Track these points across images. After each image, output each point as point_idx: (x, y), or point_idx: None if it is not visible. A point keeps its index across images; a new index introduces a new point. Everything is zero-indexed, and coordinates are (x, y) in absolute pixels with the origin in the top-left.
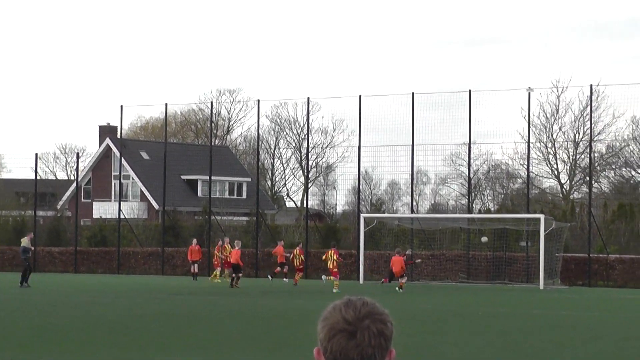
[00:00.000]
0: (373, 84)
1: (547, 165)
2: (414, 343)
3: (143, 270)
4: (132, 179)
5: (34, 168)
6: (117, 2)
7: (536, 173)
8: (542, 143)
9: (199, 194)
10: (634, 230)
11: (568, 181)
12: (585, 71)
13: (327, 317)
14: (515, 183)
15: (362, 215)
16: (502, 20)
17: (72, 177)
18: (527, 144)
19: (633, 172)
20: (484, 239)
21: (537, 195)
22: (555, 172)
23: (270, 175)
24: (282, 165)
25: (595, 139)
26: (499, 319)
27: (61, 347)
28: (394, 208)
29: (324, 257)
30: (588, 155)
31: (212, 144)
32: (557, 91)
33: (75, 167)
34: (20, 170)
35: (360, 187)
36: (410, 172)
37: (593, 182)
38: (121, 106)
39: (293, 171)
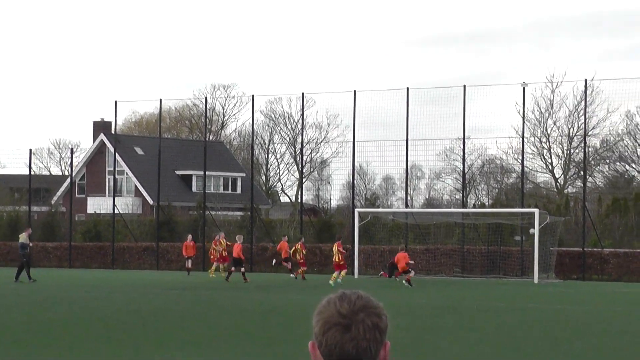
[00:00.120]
0: (367, 79)
1: (542, 160)
2: (409, 337)
3: (137, 265)
4: (127, 174)
5: (28, 164)
6: None
7: (530, 168)
8: (536, 138)
9: (194, 189)
10: (628, 225)
11: (562, 176)
12: (580, 66)
13: (321, 310)
14: (510, 178)
15: (356, 210)
16: (496, 15)
17: (67, 173)
18: (521, 138)
19: (627, 167)
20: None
21: (532, 189)
22: (550, 167)
23: (264, 170)
24: (277, 160)
25: (589, 133)
26: (494, 313)
27: (56, 342)
28: (389, 203)
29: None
30: (582, 150)
31: (207, 139)
32: (552, 86)
33: (69, 162)
34: (15, 165)
35: (355, 182)
36: (405, 167)
37: (587, 176)
38: (115, 102)
39: (287, 166)
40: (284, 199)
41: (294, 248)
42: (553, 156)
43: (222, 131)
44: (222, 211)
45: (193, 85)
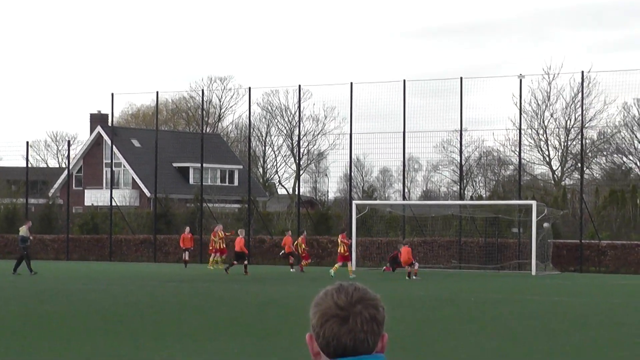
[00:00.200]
0: (364, 71)
1: (539, 152)
2: (407, 330)
3: (135, 258)
4: (124, 166)
5: (25, 156)
6: None
7: (528, 160)
8: (533, 130)
9: (191, 181)
10: (625, 217)
11: (560, 168)
12: (577, 58)
13: (319, 302)
14: (507, 170)
15: (354, 202)
16: (493, 7)
17: (64, 165)
18: (518, 130)
19: (624, 159)
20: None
21: (529, 181)
22: (547, 159)
23: (261, 162)
24: (274, 152)
25: (586, 125)
26: (491, 305)
27: (54, 334)
28: (386, 195)
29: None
30: (579, 142)
31: (204, 131)
32: (549, 78)
33: (66, 154)
34: (12, 158)
35: (352, 174)
36: (402, 159)
37: (584, 168)
38: (112, 94)
39: (285, 158)
40: (281, 191)
41: (296, 242)
42: (550, 148)
43: (219, 123)
44: (219, 203)
45: (190, 77)
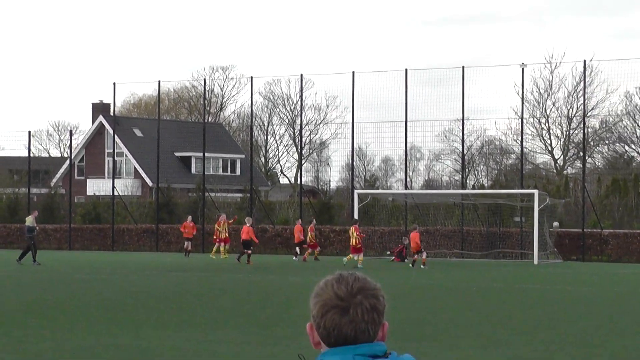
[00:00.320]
0: (366, 61)
1: (541, 141)
2: (409, 319)
3: (137, 247)
4: (126, 156)
5: (27, 145)
6: None
7: (530, 149)
8: (535, 119)
9: (193, 170)
10: (627, 205)
11: (562, 156)
12: (579, 47)
13: (319, 293)
14: (509, 159)
15: (356, 191)
16: None
17: (66, 155)
18: (520, 119)
19: (626, 147)
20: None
21: (531, 170)
22: (549, 148)
23: (263, 152)
24: (276, 141)
25: (588, 114)
26: (493, 294)
27: (56, 323)
28: (388, 184)
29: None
30: (582, 131)
31: (206, 120)
32: (551, 67)
33: (68, 144)
34: (14, 147)
35: (354, 163)
36: (404, 148)
37: (587, 157)
38: (114, 83)
39: (286, 148)
40: (283, 180)
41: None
42: (552, 137)
43: (221, 113)
44: (221, 193)
45: (192, 66)
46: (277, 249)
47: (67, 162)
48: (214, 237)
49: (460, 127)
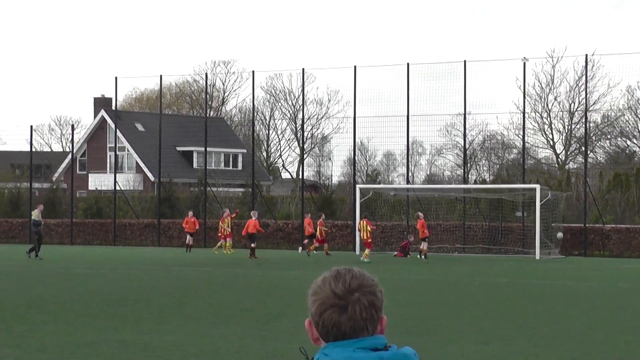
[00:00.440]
0: (368, 55)
1: (543, 136)
2: (410, 313)
3: (139, 242)
4: (128, 150)
5: (29, 140)
6: None
7: (532, 143)
8: (537, 113)
9: (195, 165)
10: (629, 200)
11: (563, 151)
12: (580, 41)
13: (317, 291)
14: (511, 153)
15: (357, 186)
16: None
17: (67, 149)
18: (522, 114)
19: (628, 142)
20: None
21: (533, 165)
22: (551, 142)
23: (265, 146)
24: (278, 136)
25: (590, 108)
26: (495, 289)
27: (57, 318)
28: (390, 179)
29: (357, 228)
30: (583, 125)
31: (207, 115)
32: (552, 61)
33: (70, 139)
34: (15, 142)
35: (356, 158)
36: (406, 143)
37: (588, 152)
38: (116, 78)
39: (288, 142)
40: (285, 175)
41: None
42: (554, 132)
43: (223, 107)
44: (223, 187)
45: (193, 61)
46: (279, 244)
47: (69, 156)
48: (219, 234)
49: (462, 122)
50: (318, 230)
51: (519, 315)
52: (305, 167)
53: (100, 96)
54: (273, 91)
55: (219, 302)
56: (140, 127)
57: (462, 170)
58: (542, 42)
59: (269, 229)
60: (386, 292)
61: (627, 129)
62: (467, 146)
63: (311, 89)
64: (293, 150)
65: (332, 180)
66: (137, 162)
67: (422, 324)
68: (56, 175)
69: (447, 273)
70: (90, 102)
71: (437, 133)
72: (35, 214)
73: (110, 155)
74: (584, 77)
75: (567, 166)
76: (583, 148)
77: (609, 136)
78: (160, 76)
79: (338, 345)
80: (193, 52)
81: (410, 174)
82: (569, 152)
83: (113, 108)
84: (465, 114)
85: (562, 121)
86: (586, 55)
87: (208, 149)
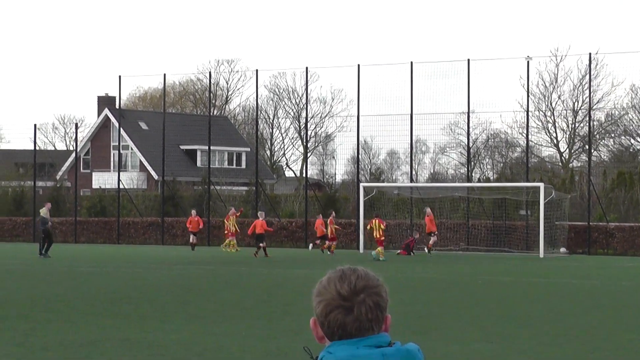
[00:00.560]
0: (371, 54)
1: (546, 134)
2: (414, 312)
3: (143, 240)
4: (131, 149)
5: (33, 139)
6: None
7: (535, 142)
8: (541, 112)
9: (198, 164)
10: (633, 199)
11: (567, 150)
12: (584, 39)
13: (322, 292)
14: (515, 152)
15: (361, 184)
16: None
17: (71, 148)
18: (526, 112)
19: (632, 141)
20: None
21: (537, 164)
22: (555, 141)
23: (269, 145)
24: (281, 135)
25: (594, 107)
26: (499, 287)
27: (61, 316)
28: (393, 177)
29: (368, 227)
30: (587, 124)
31: (211, 114)
32: (556, 60)
33: (74, 137)
34: (19, 140)
35: (359, 156)
36: (410, 142)
37: (592, 150)
38: (119, 76)
39: (292, 141)
40: (288, 173)
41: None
42: (558, 130)
43: (227, 106)
44: (227, 186)
45: (197, 60)
46: (283, 242)
47: (73, 155)
48: (225, 232)
49: (466, 120)
50: (329, 228)
51: (523, 314)
52: (309, 166)
53: (104, 95)
54: (277, 90)
55: (223, 301)
56: (144, 126)
57: (466, 169)
58: (546, 41)
59: (272, 227)
60: (390, 291)
61: (631, 127)
62: (470, 145)
63: (315, 88)
64: (297, 149)
65: (335, 178)
66: (140, 161)
67: (426, 323)
68: (60, 173)
69: (450, 271)
70: (94, 100)
71: (440, 132)
72: (44, 212)
73: (114, 154)
74: (587, 76)
75: (570, 164)
76: (587, 146)
77: (612, 134)
78: (164, 75)
79: (343, 343)
80: (197, 50)
81: (413, 173)
82: (572, 151)
83: (117, 107)
84: (468, 113)
85: (565, 120)
86: (590, 53)
87: (212, 147)
